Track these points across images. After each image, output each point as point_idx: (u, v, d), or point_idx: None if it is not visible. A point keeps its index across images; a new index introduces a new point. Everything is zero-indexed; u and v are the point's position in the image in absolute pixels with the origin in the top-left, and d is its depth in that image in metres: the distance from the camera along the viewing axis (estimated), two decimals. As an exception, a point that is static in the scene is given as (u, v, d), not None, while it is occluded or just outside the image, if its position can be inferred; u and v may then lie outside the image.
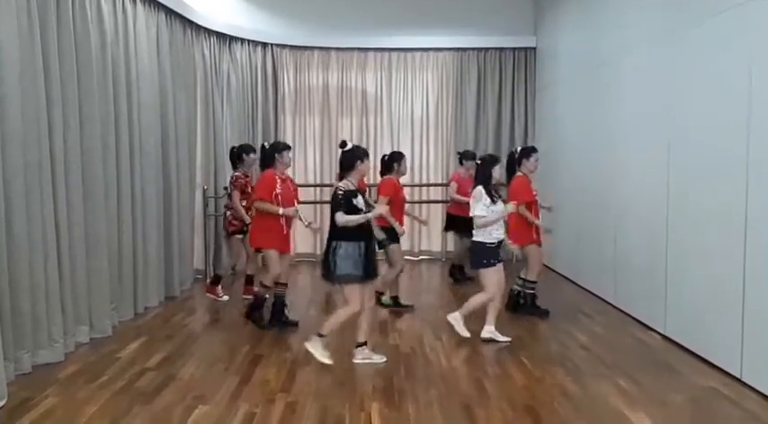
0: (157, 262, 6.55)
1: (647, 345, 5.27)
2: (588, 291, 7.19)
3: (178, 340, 5.37)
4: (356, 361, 4.76)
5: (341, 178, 4.79)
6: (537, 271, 6.14)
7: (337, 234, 4.62)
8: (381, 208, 4.88)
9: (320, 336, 4.69)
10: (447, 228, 8.05)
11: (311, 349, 4.67)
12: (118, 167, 5.76)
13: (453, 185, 7.62)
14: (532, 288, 6.17)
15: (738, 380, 4.34)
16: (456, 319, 5.37)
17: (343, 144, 4.79)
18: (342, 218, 4.56)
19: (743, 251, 4.30)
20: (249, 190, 6.57)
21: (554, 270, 8.36)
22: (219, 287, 6.91)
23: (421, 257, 9.56)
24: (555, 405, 4.00)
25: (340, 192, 4.63)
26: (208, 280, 7.39)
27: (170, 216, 6.93)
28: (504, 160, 5.98)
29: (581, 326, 5.82)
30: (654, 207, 5.55)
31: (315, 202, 9.18)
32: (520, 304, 6.17)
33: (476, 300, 5.32)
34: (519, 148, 6.33)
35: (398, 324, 5.98)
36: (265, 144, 6.03)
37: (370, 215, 4.67)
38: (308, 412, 3.86)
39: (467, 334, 5.32)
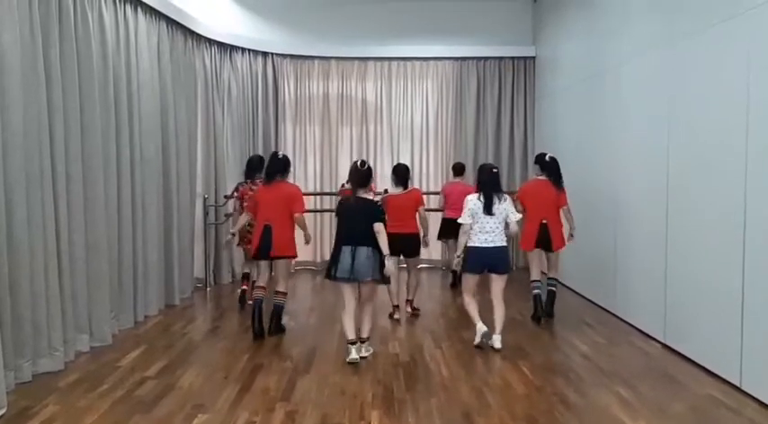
0: (158, 271, 6.57)
1: (648, 354, 5.27)
2: (589, 300, 7.20)
3: (178, 349, 5.37)
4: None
5: (353, 192, 5.23)
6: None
7: (374, 241, 5.04)
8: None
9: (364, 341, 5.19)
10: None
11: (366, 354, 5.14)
12: (118, 176, 5.78)
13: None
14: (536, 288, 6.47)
15: (738, 388, 4.34)
16: (498, 340, 5.40)
17: (364, 163, 5.32)
18: (383, 228, 5.10)
19: (742, 260, 4.31)
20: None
21: (555, 280, 8.34)
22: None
23: (420, 266, 9.53)
24: (555, 414, 3.99)
25: (381, 205, 5.32)
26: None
27: (170, 224, 6.95)
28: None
29: (581, 335, 5.82)
30: (653, 217, 5.56)
31: (315, 211, 9.20)
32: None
33: (504, 311, 5.49)
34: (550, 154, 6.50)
35: (398, 333, 5.98)
36: (279, 152, 6.18)
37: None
38: (308, 421, 3.85)
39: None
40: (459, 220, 5.48)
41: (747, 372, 4.29)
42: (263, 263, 5.96)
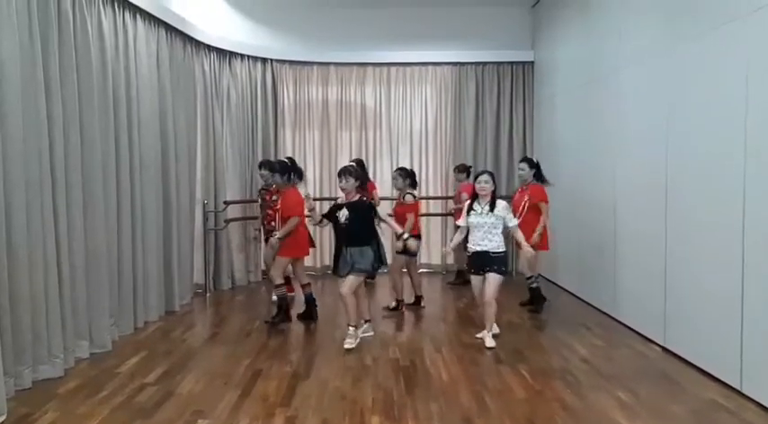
0: (157, 277, 6.57)
1: (647, 357, 5.27)
2: (588, 304, 7.19)
3: (178, 355, 5.37)
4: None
5: (361, 191, 5.77)
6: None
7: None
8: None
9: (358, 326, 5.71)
10: None
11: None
12: (118, 182, 5.79)
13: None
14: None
15: (738, 392, 4.34)
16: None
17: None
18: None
19: (741, 263, 4.32)
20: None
21: (554, 283, 8.36)
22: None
23: (421, 270, 9.55)
24: (555, 418, 3.99)
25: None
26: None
27: (170, 230, 6.95)
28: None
29: (581, 339, 5.82)
30: (652, 220, 5.57)
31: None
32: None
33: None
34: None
35: (399, 337, 5.98)
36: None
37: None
38: (308, 426, 3.87)
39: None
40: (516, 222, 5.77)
41: (748, 375, 4.29)
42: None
